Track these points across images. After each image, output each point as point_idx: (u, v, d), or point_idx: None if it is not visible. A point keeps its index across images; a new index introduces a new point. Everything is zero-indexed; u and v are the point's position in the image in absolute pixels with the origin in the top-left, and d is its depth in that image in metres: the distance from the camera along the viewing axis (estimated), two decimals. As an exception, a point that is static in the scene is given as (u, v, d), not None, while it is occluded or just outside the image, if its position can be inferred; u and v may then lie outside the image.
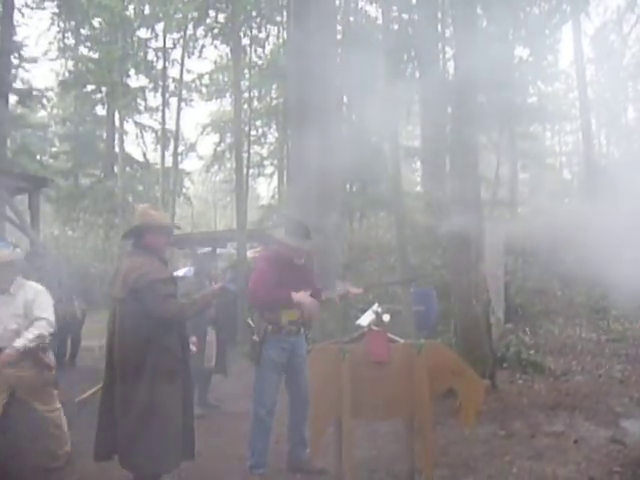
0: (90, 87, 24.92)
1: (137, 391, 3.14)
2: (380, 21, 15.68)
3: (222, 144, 25.65)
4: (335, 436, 3.79)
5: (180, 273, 16.40)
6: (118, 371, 3.19)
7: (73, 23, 22.28)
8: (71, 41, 24.36)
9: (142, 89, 24.75)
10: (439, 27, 15.15)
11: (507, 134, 18.38)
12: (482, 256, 6.58)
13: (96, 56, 24.01)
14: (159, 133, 24.68)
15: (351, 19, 19.22)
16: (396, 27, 13.89)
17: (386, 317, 3.72)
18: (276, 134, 25.89)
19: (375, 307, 3.82)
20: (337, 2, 17.40)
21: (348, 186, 19.66)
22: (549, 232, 12.29)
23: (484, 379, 5.57)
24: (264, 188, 36.06)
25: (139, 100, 25.11)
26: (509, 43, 15.81)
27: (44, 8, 22.24)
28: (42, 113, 27.94)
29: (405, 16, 15.45)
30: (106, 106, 24.98)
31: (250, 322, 3.92)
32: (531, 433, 4.55)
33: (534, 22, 13.33)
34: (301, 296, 3.70)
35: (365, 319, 3.77)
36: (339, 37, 19.56)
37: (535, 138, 21.51)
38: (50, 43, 24.38)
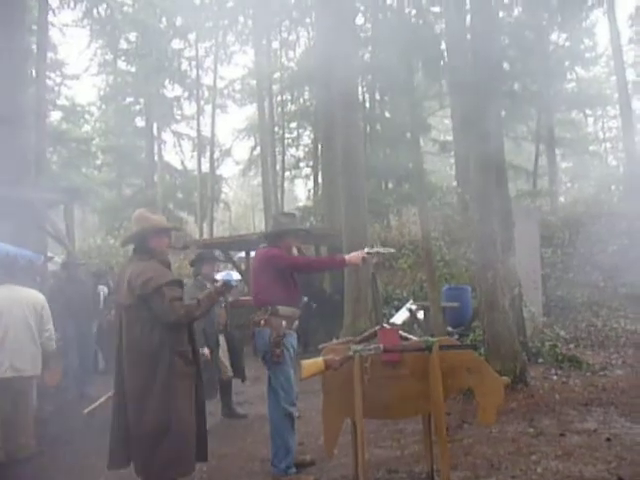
0: (129, 99, 25.75)
1: (151, 398, 3.13)
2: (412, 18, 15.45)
3: (257, 148, 25.98)
4: (352, 438, 3.77)
5: (219, 277, 16.77)
6: (130, 379, 3.18)
7: (109, 39, 23.03)
8: (109, 56, 25.26)
9: (177, 98, 25.40)
10: (468, 19, 14.83)
11: (545, 122, 17.83)
12: (511, 249, 6.41)
13: (133, 69, 24.81)
14: (196, 140, 25.22)
15: (380, 16, 19.06)
16: (421, 22, 13.66)
17: (420, 314, 3.66)
18: (311, 135, 26.00)
19: (409, 304, 3.77)
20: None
21: (383, 184, 19.56)
22: (590, 221, 11.87)
23: (513, 375, 5.43)
24: (301, 190, 36.29)
25: (175, 109, 25.76)
26: (542, 29, 15.35)
27: (83, 26, 23.09)
28: (86, 127, 29.04)
29: (435, 9, 15.16)
30: (144, 117, 25.76)
31: (262, 321, 3.86)
32: (561, 431, 4.37)
33: (568, 6, 12.86)
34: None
35: (399, 317, 3.71)
36: (369, 34, 19.50)
37: (576, 125, 20.78)
38: (90, 60, 25.37)
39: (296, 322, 4.01)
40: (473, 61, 6.53)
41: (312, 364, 3.39)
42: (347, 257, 3.86)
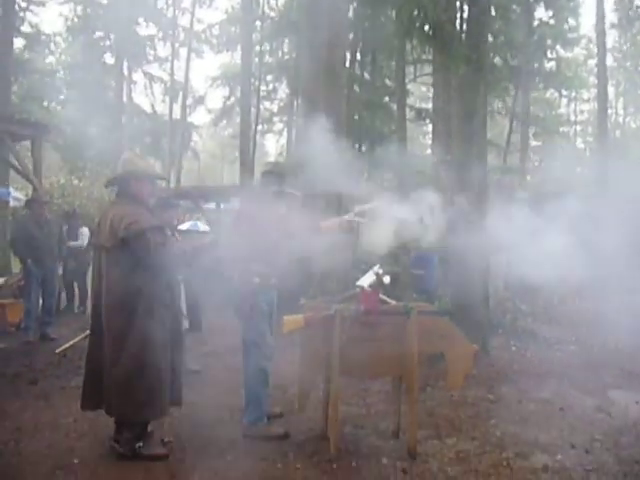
0: (98, 33, 24.47)
1: (127, 339, 3.17)
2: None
3: (232, 98, 25.30)
4: (323, 393, 3.86)
5: (185, 227, 16.48)
6: (107, 320, 3.20)
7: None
8: (80, -16, 23.82)
9: (151, 38, 24.30)
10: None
11: (521, 99, 17.97)
12: (484, 223, 6.53)
13: (105, 1, 23.51)
14: (168, 84, 24.34)
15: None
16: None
17: (387, 279, 3.70)
18: (287, 90, 25.43)
19: (376, 268, 3.79)
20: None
21: (357, 145, 19.44)
22: (556, 201, 12.18)
23: (477, 344, 5.63)
24: (272, 144, 35.77)
25: (148, 49, 24.68)
26: (529, 4, 15.26)
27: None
28: (50, 59, 27.54)
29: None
30: (114, 54, 24.61)
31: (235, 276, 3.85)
32: (518, 399, 4.61)
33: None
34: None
35: (365, 280, 3.74)
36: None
37: (550, 104, 21.03)
38: (59, -15, 23.86)
39: (273, 279, 3.97)
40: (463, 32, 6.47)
41: (292, 320, 3.44)
42: (322, 224, 3.85)
